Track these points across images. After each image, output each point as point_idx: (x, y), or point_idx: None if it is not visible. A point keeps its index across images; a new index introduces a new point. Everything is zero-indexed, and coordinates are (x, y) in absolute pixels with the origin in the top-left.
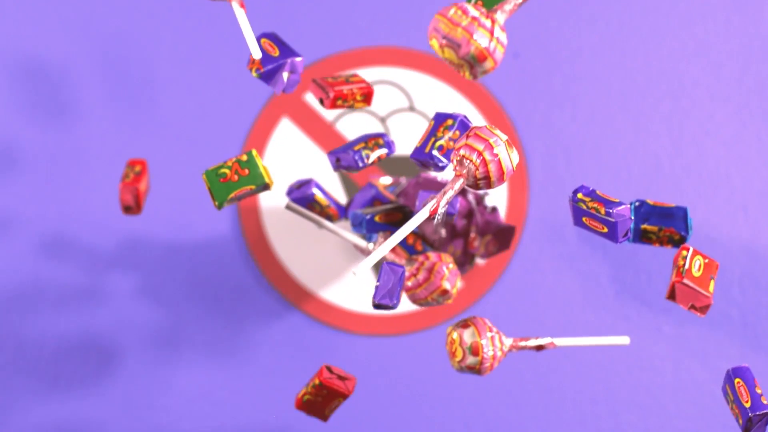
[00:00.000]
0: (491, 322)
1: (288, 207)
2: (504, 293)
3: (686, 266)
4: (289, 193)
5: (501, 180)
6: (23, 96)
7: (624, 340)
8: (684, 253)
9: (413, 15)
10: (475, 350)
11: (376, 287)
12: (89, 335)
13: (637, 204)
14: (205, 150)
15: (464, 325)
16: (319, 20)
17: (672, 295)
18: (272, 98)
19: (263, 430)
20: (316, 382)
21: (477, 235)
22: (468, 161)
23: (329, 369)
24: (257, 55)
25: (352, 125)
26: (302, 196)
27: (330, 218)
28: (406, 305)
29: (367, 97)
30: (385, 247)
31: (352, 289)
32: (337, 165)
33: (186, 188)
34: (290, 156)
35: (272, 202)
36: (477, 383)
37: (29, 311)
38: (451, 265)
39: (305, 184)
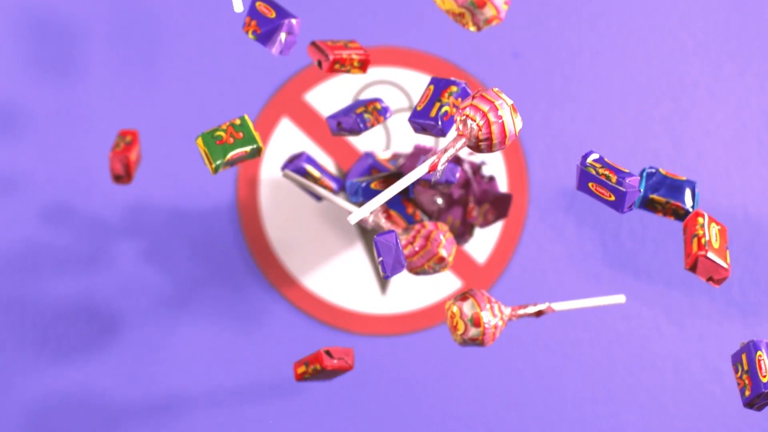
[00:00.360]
0: (488, 293)
1: (285, 175)
2: (504, 293)
3: (706, 237)
4: (284, 167)
5: (502, 143)
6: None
7: (620, 299)
8: (700, 220)
9: (413, 15)
10: (476, 321)
11: (381, 263)
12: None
13: (650, 171)
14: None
15: (463, 297)
16: (320, 20)
17: (693, 267)
18: (272, 98)
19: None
20: (318, 367)
21: (475, 205)
22: (472, 122)
23: (329, 354)
24: (238, 8)
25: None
26: (294, 170)
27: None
28: (405, 305)
29: (363, 64)
30: (384, 195)
31: (352, 289)
32: (339, 129)
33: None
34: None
35: (272, 204)
36: (477, 383)
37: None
38: (447, 234)
39: (297, 157)
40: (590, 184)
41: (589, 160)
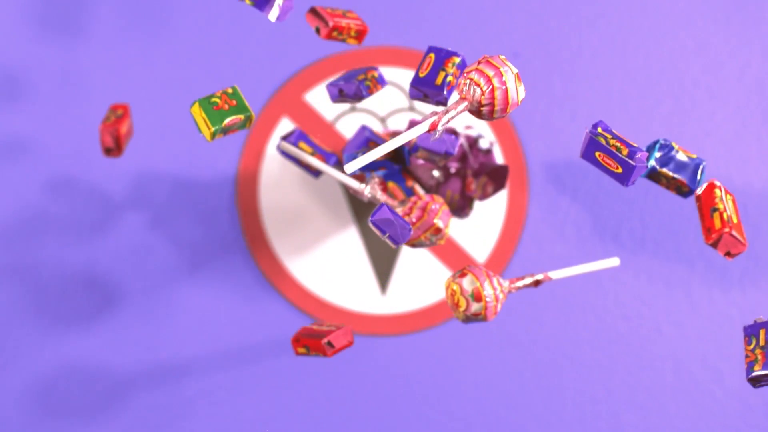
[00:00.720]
0: (485, 267)
1: (281, 148)
2: None
3: (727, 212)
4: (278, 147)
5: (504, 111)
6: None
7: (614, 261)
8: (718, 192)
9: (413, 15)
10: (477, 296)
11: (389, 238)
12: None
13: (663, 143)
14: (205, 149)
15: (461, 274)
16: None
17: (715, 243)
18: (272, 98)
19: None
20: (320, 354)
21: (473, 178)
22: (476, 86)
23: (330, 344)
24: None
25: (352, 125)
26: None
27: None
28: (405, 305)
29: (360, 34)
30: (382, 148)
31: (352, 289)
32: (340, 96)
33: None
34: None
35: (272, 202)
36: (477, 383)
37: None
38: (443, 206)
39: (290, 134)
40: (597, 154)
41: (599, 129)
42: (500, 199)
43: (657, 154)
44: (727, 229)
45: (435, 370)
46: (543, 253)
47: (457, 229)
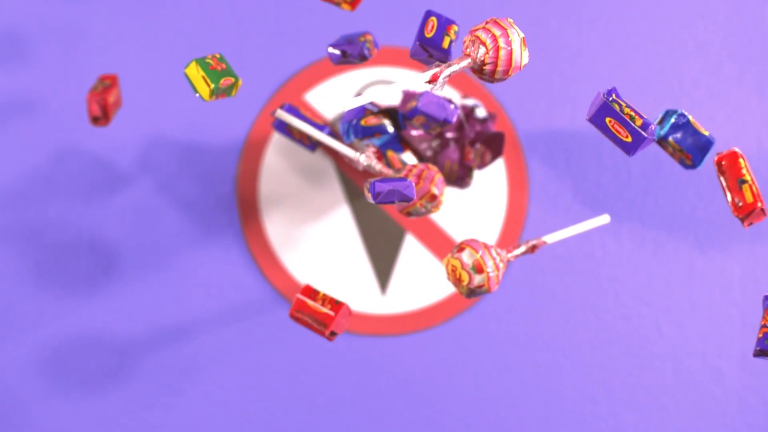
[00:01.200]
0: (482, 240)
1: (276, 115)
2: (504, 293)
3: (755, 184)
4: (273, 115)
5: (506, 73)
6: None
7: (604, 219)
8: (742, 162)
9: (413, 15)
10: (478, 268)
11: (400, 201)
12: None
13: (681, 113)
14: (205, 148)
15: (459, 249)
16: (320, 20)
17: (745, 217)
18: (272, 98)
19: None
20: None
21: (470, 147)
22: (481, 44)
23: (334, 333)
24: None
25: None
26: (278, 125)
27: (309, 138)
28: (405, 305)
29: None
30: (378, 91)
31: (352, 289)
32: (343, 58)
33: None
34: (290, 156)
35: (272, 202)
36: (477, 383)
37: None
38: (438, 174)
39: (281, 107)
40: (608, 120)
41: (614, 96)
42: (500, 199)
43: (672, 120)
44: (759, 204)
45: (435, 370)
46: (543, 252)
47: (457, 229)
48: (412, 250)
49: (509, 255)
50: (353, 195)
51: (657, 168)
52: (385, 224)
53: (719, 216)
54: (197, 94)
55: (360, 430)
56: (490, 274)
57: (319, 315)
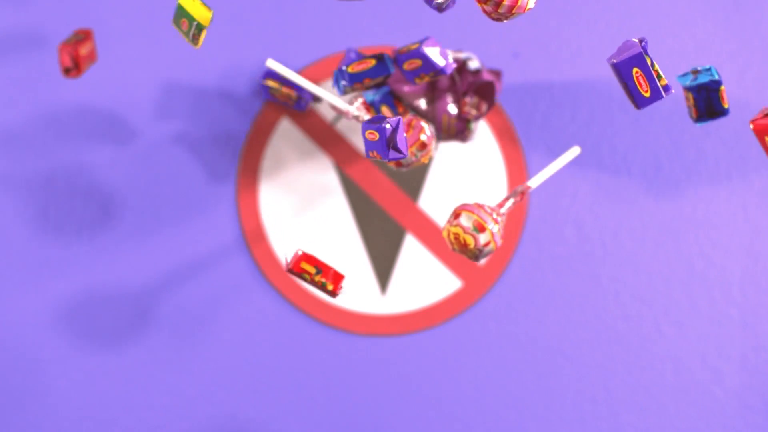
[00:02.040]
0: (474, 202)
1: (267, 65)
2: (504, 293)
3: None
4: (264, 70)
5: (510, 10)
6: None
7: (575, 150)
8: None
9: (412, 15)
10: (479, 227)
11: (394, 148)
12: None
13: (716, 78)
14: (205, 148)
15: (455, 216)
16: (320, 20)
17: None
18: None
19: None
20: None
21: (465, 99)
22: None
23: (334, 294)
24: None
25: (352, 125)
26: (262, 88)
27: (289, 97)
28: (405, 305)
29: None
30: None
31: (352, 289)
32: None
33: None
34: (290, 156)
35: (273, 203)
36: (477, 383)
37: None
38: (429, 125)
39: (266, 72)
40: (635, 70)
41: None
42: (500, 199)
43: (707, 80)
44: None
45: (435, 370)
46: (543, 253)
47: None
48: (412, 250)
49: (502, 210)
50: (353, 195)
51: (657, 168)
52: (385, 224)
53: (719, 216)
54: (194, 22)
55: (360, 430)
56: (493, 230)
57: (327, 273)
